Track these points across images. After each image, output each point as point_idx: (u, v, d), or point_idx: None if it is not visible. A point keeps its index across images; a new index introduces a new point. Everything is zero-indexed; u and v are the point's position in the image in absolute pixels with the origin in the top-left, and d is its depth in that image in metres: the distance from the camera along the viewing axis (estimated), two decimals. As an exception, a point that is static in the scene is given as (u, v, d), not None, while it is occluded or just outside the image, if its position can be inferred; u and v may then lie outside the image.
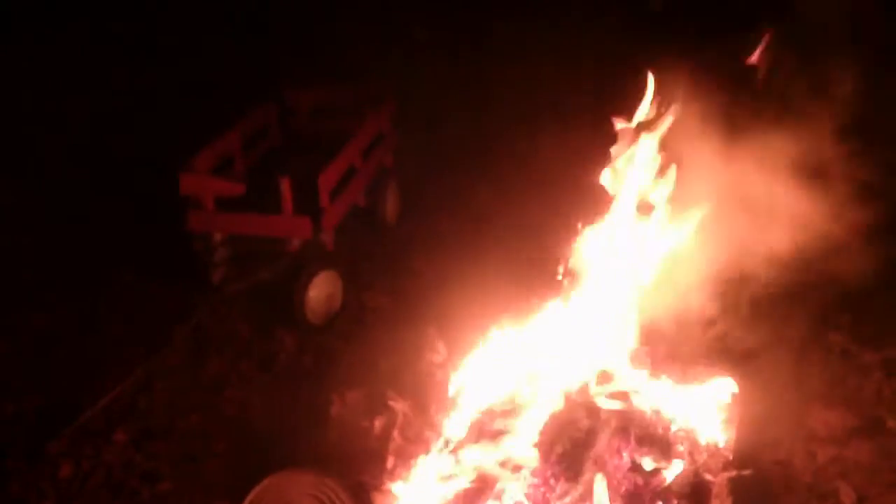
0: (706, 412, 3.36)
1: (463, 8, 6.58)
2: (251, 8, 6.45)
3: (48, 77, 6.44)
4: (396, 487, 3.13)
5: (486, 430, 3.18)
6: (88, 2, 6.40)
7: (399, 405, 3.36)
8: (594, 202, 3.51)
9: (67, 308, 4.80)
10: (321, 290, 4.59)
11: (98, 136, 6.13)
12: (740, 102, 3.78)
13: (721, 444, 3.27)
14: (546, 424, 3.09)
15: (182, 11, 6.48)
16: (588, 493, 2.91)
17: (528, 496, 2.96)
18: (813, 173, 3.75)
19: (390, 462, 3.20)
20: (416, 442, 3.23)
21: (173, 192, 4.60)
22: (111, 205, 5.74)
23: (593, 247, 3.50)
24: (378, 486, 3.17)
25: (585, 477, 2.95)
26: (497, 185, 5.75)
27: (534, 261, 3.76)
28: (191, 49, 6.24)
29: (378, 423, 3.38)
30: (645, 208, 3.44)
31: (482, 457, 3.08)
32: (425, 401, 3.39)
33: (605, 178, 3.50)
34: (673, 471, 3.05)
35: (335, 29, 6.51)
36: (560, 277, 3.54)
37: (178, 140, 4.98)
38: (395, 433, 3.25)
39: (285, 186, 4.49)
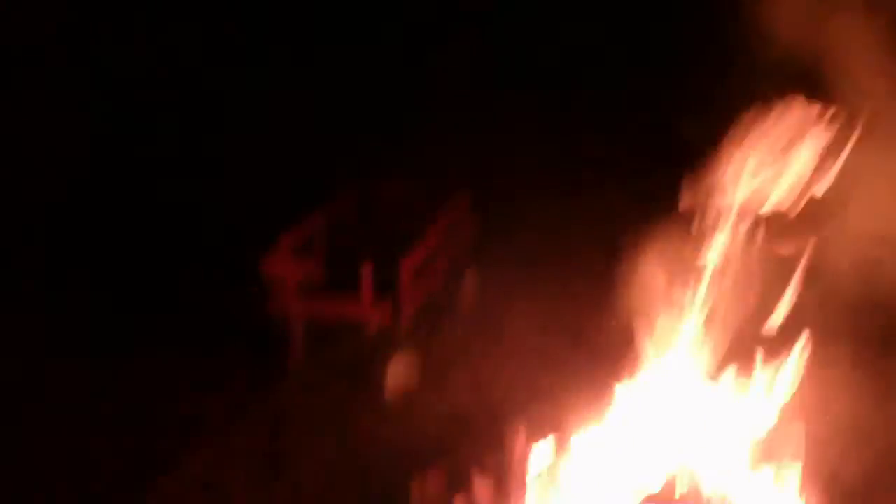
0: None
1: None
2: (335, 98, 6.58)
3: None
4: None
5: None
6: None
7: (481, 482, 3.31)
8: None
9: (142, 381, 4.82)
10: (398, 372, 4.59)
11: (183, 208, 6.22)
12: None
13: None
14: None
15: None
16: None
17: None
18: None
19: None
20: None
21: (255, 273, 4.68)
22: (190, 276, 5.82)
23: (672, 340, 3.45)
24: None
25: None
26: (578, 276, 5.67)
27: (612, 353, 3.69)
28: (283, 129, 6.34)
29: (459, 501, 3.33)
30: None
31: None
32: (507, 481, 3.33)
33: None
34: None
35: (421, 121, 6.60)
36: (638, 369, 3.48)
37: (262, 217, 5.06)
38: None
39: (366, 273, 4.56)
